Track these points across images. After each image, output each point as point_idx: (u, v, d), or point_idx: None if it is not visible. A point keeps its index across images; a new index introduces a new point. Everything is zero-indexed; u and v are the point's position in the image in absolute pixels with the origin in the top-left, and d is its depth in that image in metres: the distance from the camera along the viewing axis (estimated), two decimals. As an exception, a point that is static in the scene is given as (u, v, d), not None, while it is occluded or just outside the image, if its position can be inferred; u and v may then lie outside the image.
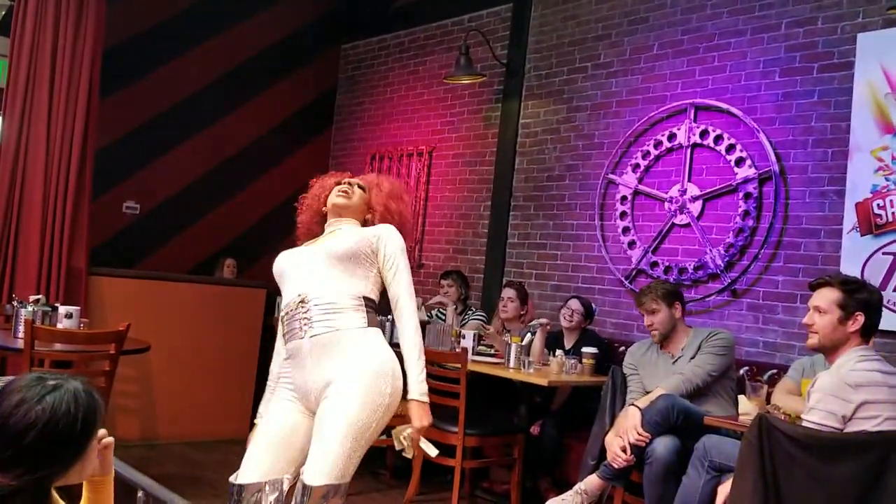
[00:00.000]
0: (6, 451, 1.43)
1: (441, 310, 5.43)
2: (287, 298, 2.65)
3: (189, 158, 6.50)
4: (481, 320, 5.26)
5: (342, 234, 2.74)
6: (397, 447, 2.56)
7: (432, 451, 2.63)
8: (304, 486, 2.36)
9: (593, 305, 4.86)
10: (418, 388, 2.54)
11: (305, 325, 2.56)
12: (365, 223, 2.83)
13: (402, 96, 6.74)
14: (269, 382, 2.75)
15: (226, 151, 6.72)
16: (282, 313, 2.67)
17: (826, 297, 2.84)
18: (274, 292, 5.95)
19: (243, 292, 5.60)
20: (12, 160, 4.56)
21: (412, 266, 6.56)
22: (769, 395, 3.41)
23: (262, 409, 2.74)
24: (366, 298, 2.61)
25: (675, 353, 3.86)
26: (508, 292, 5.00)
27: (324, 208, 2.84)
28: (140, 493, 2.13)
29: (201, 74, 6.55)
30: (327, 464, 2.36)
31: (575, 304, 4.76)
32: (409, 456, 2.59)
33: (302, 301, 2.58)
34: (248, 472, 2.50)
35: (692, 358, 3.77)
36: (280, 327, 2.71)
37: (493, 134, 5.94)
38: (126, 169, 6.17)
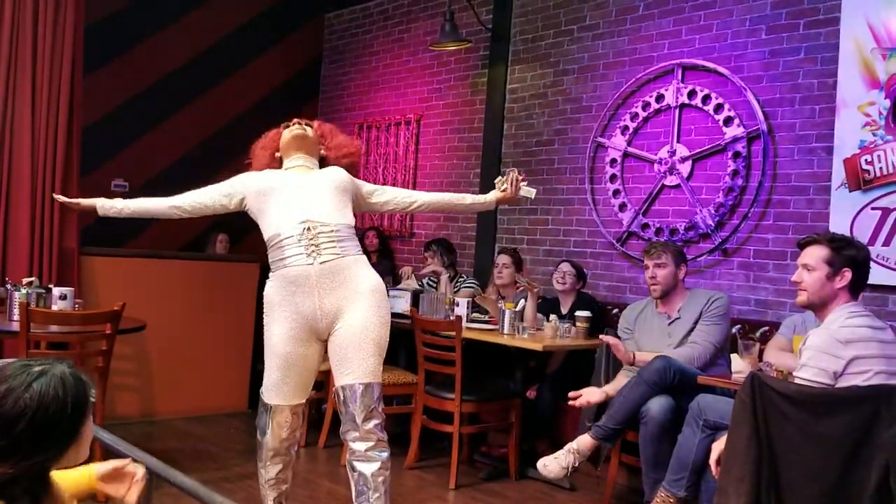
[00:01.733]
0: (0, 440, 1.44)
1: (432, 279, 5.45)
2: (284, 221, 2.88)
3: (175, 134, 6.46)
4: (473, 287, 5.29)
5: (324, 171, 3.10)
6: (505, 189, 3.53)
7: (531, 192, 3.61)
8: (351, 386, 2.80)
9: (584, 269, 4.90)
10: (491, 193, 3.56)
11: (313, 251, 2.82)
12: (321, 162, 3.16)
13: (388, 65, 6.70)
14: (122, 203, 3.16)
15: (212, 126, 6.67)
16: (278, 236, 2.88)
17: (814, 255, 2.86)
18: (266, 267, 5.97)
19: (237, 267, 5.60)
20: (-3, 141, 4.52)
21: (405, 235, 6.60)
22: (762, 352, 3.45)
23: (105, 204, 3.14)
24: (355, 228, 3.03)
25: (671, 315, 3.88)
26: (503, 258, 5.02)
27: (277, 153, 3.14)
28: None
29: (184, 48, 6.48)
30: (368, 371, 2.83)
31: (566, 266, 4.79)
32: (512, 192, 3.53)
33: (308, 228, 2.84)
34: (284, 395, 2.93)
35: (695, 323, 3.78)
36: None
37: (481, 100, 5.92)
38: (112, 147, 6.12)
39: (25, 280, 3.99)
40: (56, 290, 3.86)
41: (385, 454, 2.83)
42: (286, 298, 2.87)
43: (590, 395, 3.77)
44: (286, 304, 2.87)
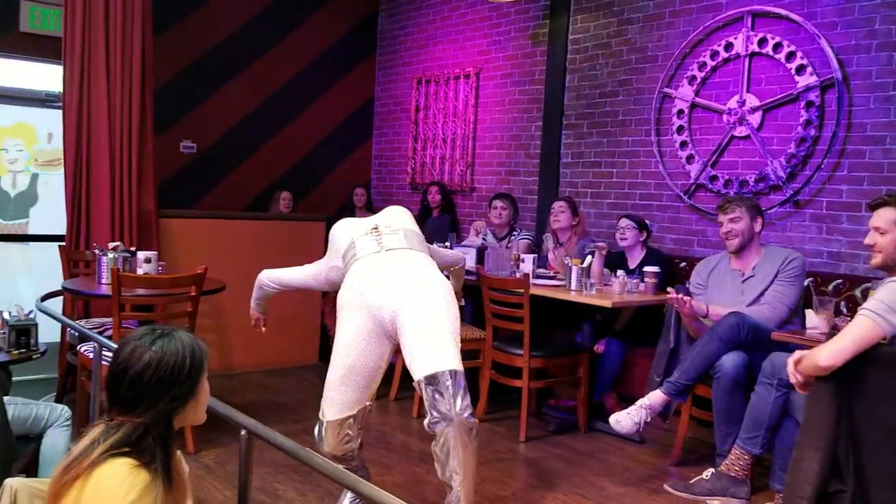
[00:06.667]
0: (130, 391, 1.66)
1: (484, 234, 5.49)
2: (356, 228, 3.07)
3: (238, 95, 6.56)
4: (529, 239, 5.32)
5: None
6: None
7: None
8: (435, 375, 2.65)
9: (647, 221, 4.86)
10: None
11: (379, 243, 2.96)
12: None
13: (446, 17, 6.65)
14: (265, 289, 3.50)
15: (272, 86, 6.75)
16: (351, 240, 3.03)
17: (885, 217, 2.82)
18: (331, 223, 6.07)
19: (304, 225, 5.73)
20: (77, 109, 4.62)
21: (465, 189, 6.59)
22: (837, 306, 3.43)
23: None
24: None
25: (745, 272, 3.85)
26: (559, 204, 5.06)
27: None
28: (243, 432, 2.25)
29: (242, 9, 6.53)
30: (453, 356, 2.70)
31: (624, 221, 4.75)
32: None
33: (376, 227, 3.02)
34: (340, 402, 2.92)
35: (770, 283, 3.75)
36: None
37: (542, 52, 5.86)
38: (180, 109, 6.26)
39: (111, 244, 4.13)
40: (140, 254, 4.00)
41: (476, 442, 2.71)
42: (355, 292, 2.88)
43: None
44: (354, 298, 2.88)
